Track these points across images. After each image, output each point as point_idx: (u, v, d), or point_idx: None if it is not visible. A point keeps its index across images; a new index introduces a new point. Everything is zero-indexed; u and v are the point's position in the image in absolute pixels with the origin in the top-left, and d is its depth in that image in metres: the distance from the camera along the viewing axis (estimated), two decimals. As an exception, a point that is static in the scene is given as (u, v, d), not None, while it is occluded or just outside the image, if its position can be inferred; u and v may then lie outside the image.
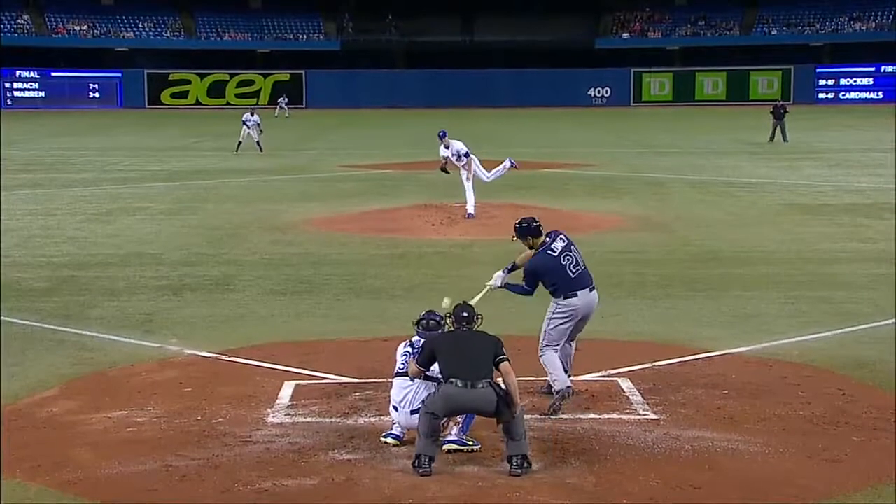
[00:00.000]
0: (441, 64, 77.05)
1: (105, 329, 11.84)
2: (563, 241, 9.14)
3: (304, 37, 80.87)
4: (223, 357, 10.69)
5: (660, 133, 47.60)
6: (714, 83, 77.79)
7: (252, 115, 38.06)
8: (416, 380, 8.23)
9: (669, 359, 10.12)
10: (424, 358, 8.11)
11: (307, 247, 17.40)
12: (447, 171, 21.13)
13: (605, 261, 15.62)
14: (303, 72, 77.18)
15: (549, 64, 76.66)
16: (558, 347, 9.11)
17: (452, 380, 7.82)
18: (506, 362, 7.89)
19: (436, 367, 8.16)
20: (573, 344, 9.36)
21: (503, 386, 7.89)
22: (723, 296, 13.32)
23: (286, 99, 67.72)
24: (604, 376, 9.83)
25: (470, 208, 19.97)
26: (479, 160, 20.94)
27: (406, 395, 8.22)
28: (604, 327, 11.49)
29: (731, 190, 24.94)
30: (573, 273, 9.03)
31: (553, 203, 22.71)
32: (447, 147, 20.62)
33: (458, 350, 7.96)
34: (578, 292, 9.01)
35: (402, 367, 8.38)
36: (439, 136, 21.03)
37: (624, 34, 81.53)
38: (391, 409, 8.37)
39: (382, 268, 15.47)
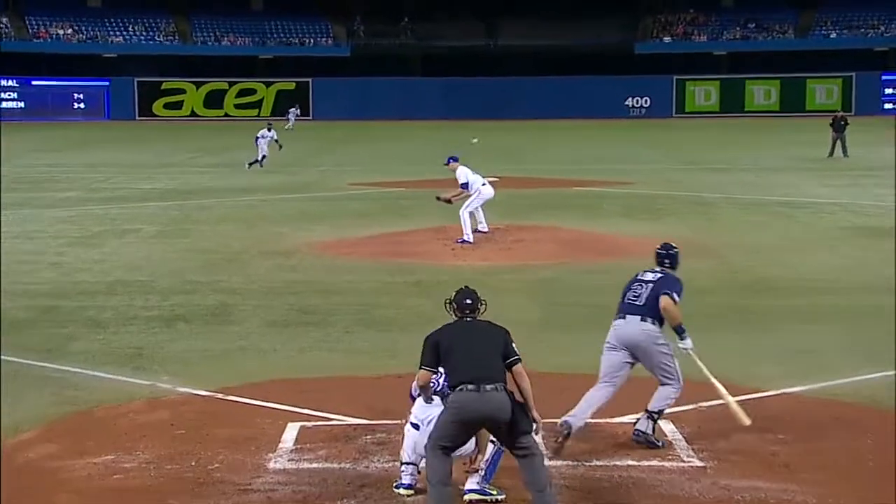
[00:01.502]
0: (461, 71, 77.23)
1: (90, 365, 11.87)
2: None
3: (311, 41, 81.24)
4: (220, 396, 10.69)
5: (705, 147, 47.60)
6: (766, 92, 77.68)
7: (269, 129, 38.35)
8: (435, 398, 8.10)
9: (717, 399, 9.93)
10: (429, 356, 7.82)
11: (313, 273, 17.48)
12: (450, 202, 21.41)
13: (644, 290, 15.80)
14: (309, 80, 77.60)
15: (581, 71, 76.65)
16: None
17: (461, 387, 7.59)
18: (519, 363, 7.77)
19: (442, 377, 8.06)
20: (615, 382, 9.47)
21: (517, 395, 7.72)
22: (777, 329, 13.35)
23: (297, 110, 67.95)
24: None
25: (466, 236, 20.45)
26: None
27: (432, 413, 8.04)
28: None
29: (786, 211, 24.98)
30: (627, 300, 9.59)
31: (586, 224, 22.73)
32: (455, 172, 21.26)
33: (464, 346, 7.74)
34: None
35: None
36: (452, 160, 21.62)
37: (665, 38, 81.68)
38: (408, 427, 8.20)
39: (396, 297, 15.47)
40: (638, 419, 9.32)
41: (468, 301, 7.92)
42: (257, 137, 37.95)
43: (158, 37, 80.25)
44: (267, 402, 10.35)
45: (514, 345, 7.82)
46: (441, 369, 7.93)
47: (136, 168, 38.06)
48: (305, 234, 21.90)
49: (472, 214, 20.70)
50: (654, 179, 32.98)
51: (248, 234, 22.06)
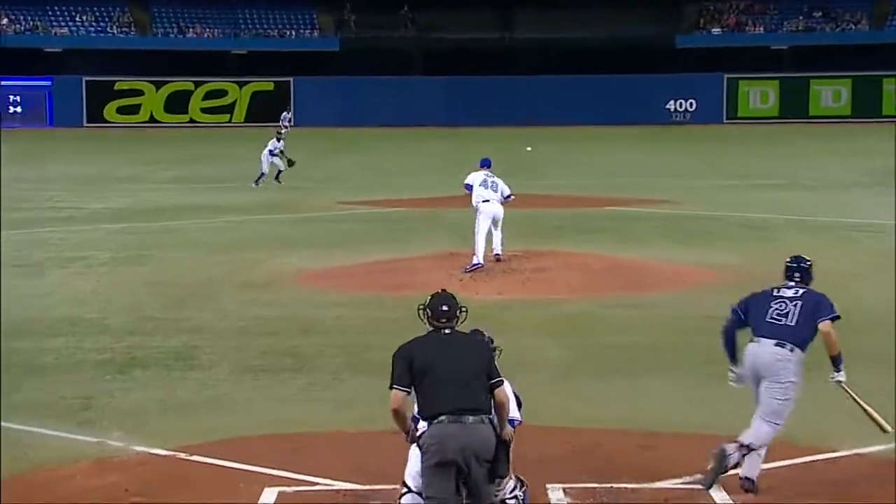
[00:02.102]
0: (471, 69, 77.01)
1: (29, 419, 11.82)
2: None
3: (293, 33, 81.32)
4: (182, 455, 10.68)
5: (762, 159, 47.61)
6: (835, 93, 77.80)
7: (279, 139, 38.81)
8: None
9: (777, 460, 9.99)
10: (402, 373, 7.85)
11: (294, 309, 17.53)
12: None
13: (688, 329, 15.80)
14: (290, 79, 77.63)
15: (612, 69, 76.42)
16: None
17: (440, 418, 7.60)
18: (501, 387, 7.79)
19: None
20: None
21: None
22: (848, 374, 13.14)
23: (290, 116, 67.52)
24: (688, 483, 9.74)
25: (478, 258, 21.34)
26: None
27: None
28: (689, 417, 11.47)
29: (858, 235, 25.16)
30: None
31: (620, 250, 22.83)
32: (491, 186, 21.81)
33: (441, 367, 7.76)
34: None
35: None
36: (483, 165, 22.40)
37: (714, 29, 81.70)
38: (414, 448, 8.11)
39: (391, 337, 14.32)
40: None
41: (445, 308, 7.94)
42: (271, 151, 38.12)
43: (111, 28, 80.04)
44: (239, 462, 10.30)
45: (496, 363, 7.88)
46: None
47: (84, 183, 38.14)
48: (286, 261, 21.99)
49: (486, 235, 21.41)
50: (699, 197, 33.03)
51: (217, 261, 22.12)
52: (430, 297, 7.98)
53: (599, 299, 18.13)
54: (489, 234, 21.38)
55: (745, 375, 9.88)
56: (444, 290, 8.08)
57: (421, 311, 7.97)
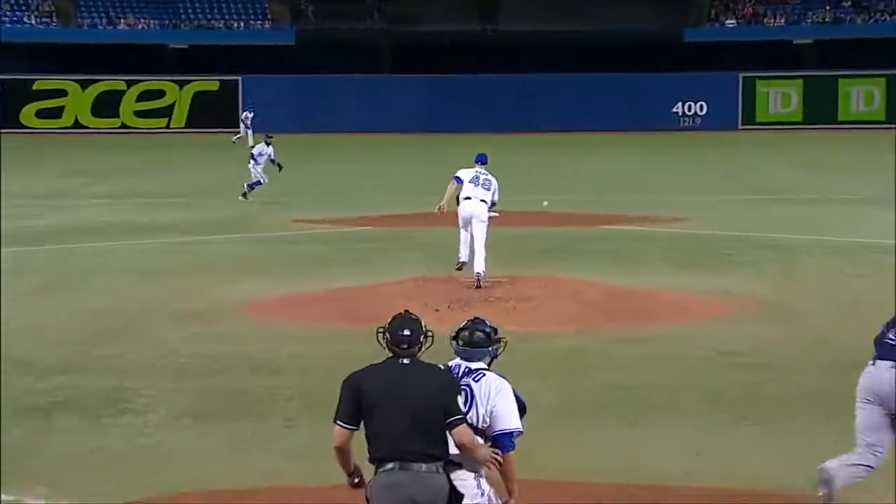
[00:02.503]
0: (448, 66, 76.87)
1: (-67, 473, 12.19)
2: None
3: (241, 25, 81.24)
4: (114, 514, 10.97)
5: (784, 171, 47.79)
6: (867, 95, 77.97)
7: (268, 144, 39.04)
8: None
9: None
10: (347, 407, 7.91)
11: (244, 344, 17.53)
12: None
13: (700, 366, 15.97)
14: (238, 78, 77.39)
15: (611, 66, 76.69)
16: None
17: (388, 465, 7.65)
18: (462, 425, 7.86)
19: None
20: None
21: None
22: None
23: (251, 114, 66.63)
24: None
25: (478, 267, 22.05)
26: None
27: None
28: (698, 467, 11.55)
29: (887, 259, 24.97)
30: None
31: (619, 276, 22.90)
32: (486, 185, 22.51)
33: (395, 403, 7.80)
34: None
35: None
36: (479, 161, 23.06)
37: (728, 21, 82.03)
38: None
39: None
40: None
41: (406, 333, 7.97)
42: (253, 156, 38.52)
43: (28, 18, 79.90)
44: (180, 523, 10.52)
45: (458, 399, 7.94)
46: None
47: (-1, 199, 39.83)
48: (234, 289, 22.01)
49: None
50: (713, 215, 33.26)
51: (154, 289, 22.12)
52: (390, 319, 8.03)
53: (595, 333, 18.11)
54: (472, 250, 21.70)
55: (865, 399, 9.99)
56: (407, 312, 8.15)
57: (380, 335, 8.02)
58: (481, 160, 22.62)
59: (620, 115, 75.73)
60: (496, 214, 22.24)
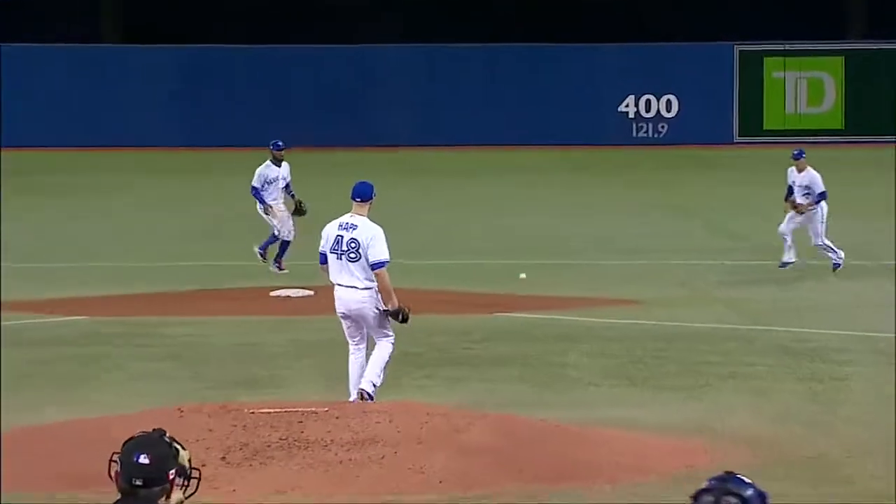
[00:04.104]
0: (211, 35, 75.70)
1: None
2: None
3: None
4: None
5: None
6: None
7: (278, 162, 36.44)
8: None
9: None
10: None
11: None
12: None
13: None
14: None
15: (505, 33, 74.99)
16: None
17: None
18: None
19: None
20: None
21: None
22: None
23: None
24: None
25: None
26: None
27: None
28: None
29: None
30: None
31: (534, 403, 22.76)
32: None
33: None
34: None
35: None
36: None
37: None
38: None
39: None
40: None
41: (142, 461, 8.38)
42: (257, 189, 36.07)
43: None
44: None
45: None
46: None
47: None
48: None
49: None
50: (689, 293, 33.90)
51: None
52: (124, 443, 8.51)
53: None
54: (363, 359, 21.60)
55: None
56: (156, 430, 8.50)
57: (110, 465, 8.49)
58: (360, 194, 21.55)
59: (523, 120, 73.06)
60: (383, 272, 21.19)
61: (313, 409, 21.27)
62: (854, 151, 70.03)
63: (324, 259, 21.63)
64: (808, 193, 36.41)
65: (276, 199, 36.56)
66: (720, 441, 21.22)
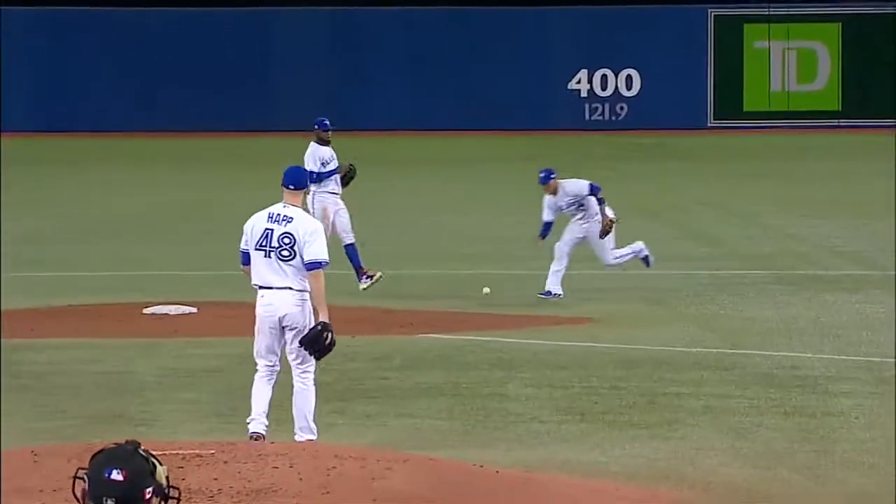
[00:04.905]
0: None
1: None
2: None
3: None
4: None
5: (808, 223, 49.29)
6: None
7: (326, 142, 37.62)
8: None
9: None
10: None
11: None
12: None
13: None
14: None
15: None
16: None
17: None
18: None
19: None
20: None
21: None
22: None
23: None
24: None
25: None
26: None
27: None
28: None
29: None
30: None
31: (464, 448, 22.27)
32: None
33: None
34: None
35: None
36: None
37: None
38: None
39: None
40: None
41: (114, 477, 9.23)
42: (319, 172, 36.85)
43: None
44: None
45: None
46: None
47: None
48: None
49: None
50: (652, 311, 34.55)
51: None
52: (92, 456, 9.23)
53: None
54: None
55: None
56: (129, 442, 9.37)
57: (75, 481, 9.26)
58: (292, 181, 21.42)
59: (448, 100, 74.51)
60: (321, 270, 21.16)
61: (196, 451, 20.83)
62: (853, 137, 70.16)
63: (246, 259, 21.31)
64: (580, 204, 35.93)
65: (335, 190, 38.29)
66: (692, 490, 21.03)
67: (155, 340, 29.98)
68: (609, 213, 36.71)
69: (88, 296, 36.04)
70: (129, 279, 36.23)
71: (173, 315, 31.54)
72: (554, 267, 35.48)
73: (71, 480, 9.35)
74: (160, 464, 9.09)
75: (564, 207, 36.63)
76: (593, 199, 36.36)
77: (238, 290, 29.69)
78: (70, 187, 65.01)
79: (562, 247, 35.77)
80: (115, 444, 9.19)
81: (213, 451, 21.15)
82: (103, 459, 8.92)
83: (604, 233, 35.56)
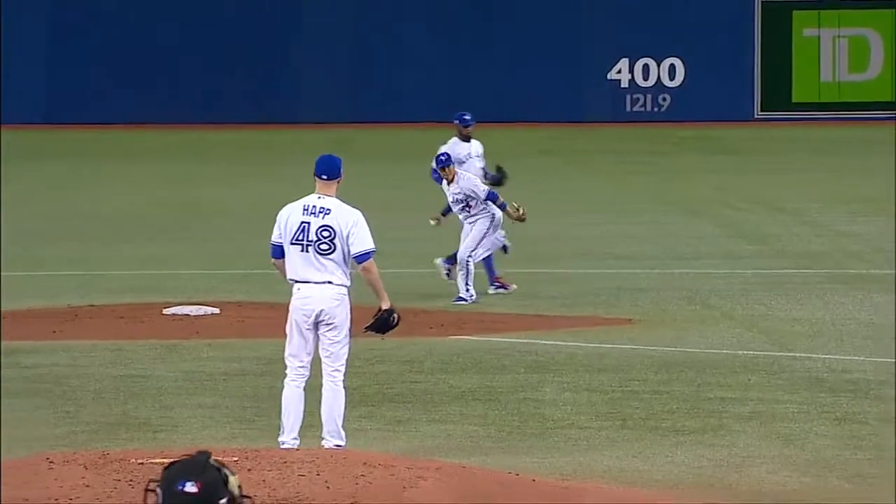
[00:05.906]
0: None
1: None
2: None
3: None
4: None
5: (869, 222, 49.33)
6: None
7: (466, 137, 38.33)
8: None
9: None
10: None
11: None
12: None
13: None
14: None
15: None
16: None
17: None
18: None
19: None
20: None
21: None
22: None
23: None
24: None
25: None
26: None
27: None
28: None
29: None
30: None
31: (499, 455, 22.54)
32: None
33: None
34: None
35: None
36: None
37: None
38: None
39: None
40: None
41: (189, 489, 9.58)
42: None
43: None
44: None
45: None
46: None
47: None
48: None
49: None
50: (696, 312, 34.54)
51: None
52: (164, 468, 9.77)
53: None
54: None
55: None
56: (201, 452, 10.01)
57: (146, 494, 9.81)
58: (325, 170, 21.02)
59: (480, 91, 73.69)
60: (370, 267, 21.07)
61: (218, 458, 20.57)
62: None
63: (279, 252, 21.03)
64: (467, 205, 36.18)
65: (481, 182, 37.68)
66: (738, 500, 20.86)
67: (175, 342, 30.28)
68: (511, 209, 36.68)
69: (108, 296, 36.14)
70: (149, 278, 36.27)
71: (194, 316, 31.81)
72: (460, 273, 35.58)
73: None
74: (232, 473, 9.54)
75: (450, 200, 36.71)
76: (490, 203, 36.35)
77: (261, 291, 29.57)
78: (82, 183, 64.55)
79: (464, 252, 36.12)
80: (186, 455, 9.45)
81: (235, 459, 20.75)
82: (176, 472, 9.25)
83: (521, 219, 36.40)
